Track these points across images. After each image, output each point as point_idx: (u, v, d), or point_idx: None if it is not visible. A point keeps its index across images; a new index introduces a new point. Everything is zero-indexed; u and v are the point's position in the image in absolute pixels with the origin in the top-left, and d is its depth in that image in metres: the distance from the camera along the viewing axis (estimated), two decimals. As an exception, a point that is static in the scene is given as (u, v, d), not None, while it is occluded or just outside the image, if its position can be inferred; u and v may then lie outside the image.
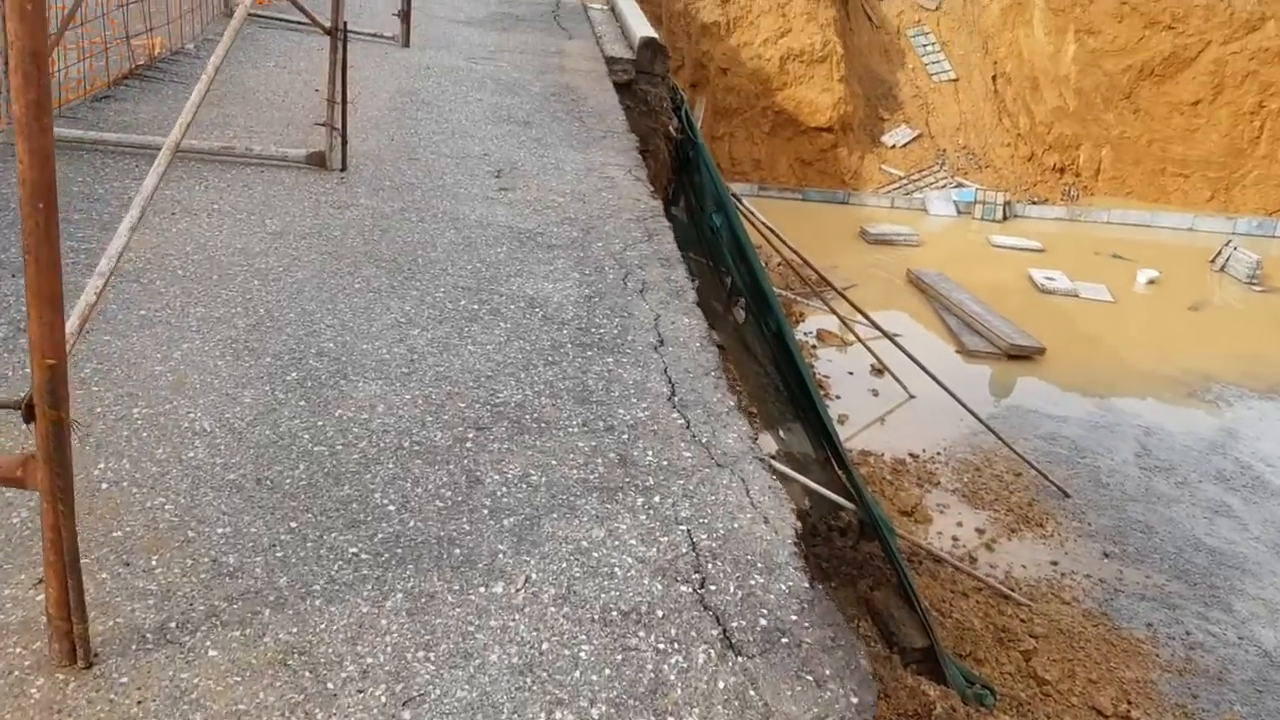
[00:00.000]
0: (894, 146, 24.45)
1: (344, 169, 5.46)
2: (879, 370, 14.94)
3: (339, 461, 3.04)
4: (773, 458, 11.44)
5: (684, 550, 2.87)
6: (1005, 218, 22.58)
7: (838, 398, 14.32)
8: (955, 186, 23.66)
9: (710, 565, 2.83)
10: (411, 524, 2.82)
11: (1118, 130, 24.34)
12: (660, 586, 2.71)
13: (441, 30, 9.34)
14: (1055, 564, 11.48)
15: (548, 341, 3.96)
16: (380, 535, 2.75)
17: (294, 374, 3.48)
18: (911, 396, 14.37)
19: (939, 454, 13.16)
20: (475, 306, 4.17)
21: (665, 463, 3.27)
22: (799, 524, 3.12)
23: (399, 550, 2.70)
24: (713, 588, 2.74)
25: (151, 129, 5.54)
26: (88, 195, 4.69)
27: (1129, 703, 9.06)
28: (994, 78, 25.12)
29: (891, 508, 11.63)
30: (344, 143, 5.42)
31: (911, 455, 13.01)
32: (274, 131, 5.97)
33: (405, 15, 8.36)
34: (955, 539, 11.59)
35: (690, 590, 2.72)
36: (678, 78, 19.29)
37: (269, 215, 4.77)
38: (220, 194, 4.95)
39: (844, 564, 10.11)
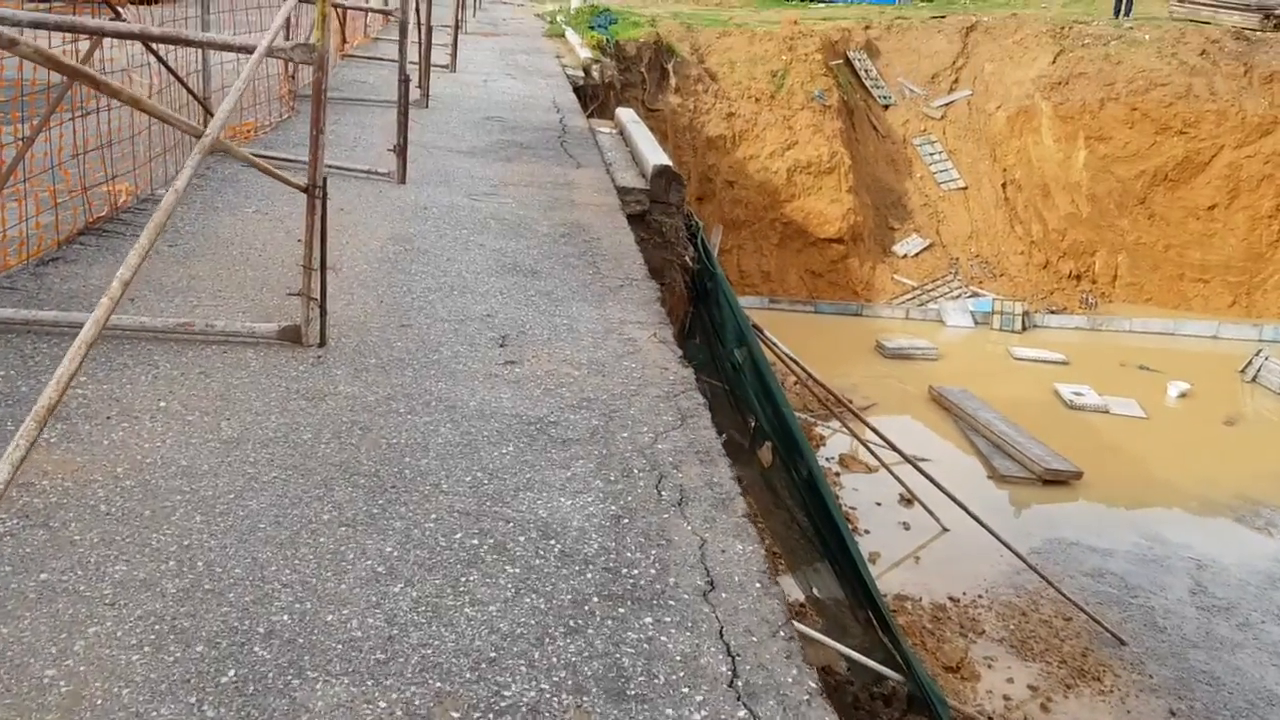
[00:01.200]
0: (905, 256, 23.93)
1: (322, 344, 4.66)
2: (908, 500, 14.02)
3: (281, 839, 2.15)
4: (801, 608, 10.46)
5: None
6: (1024, 328, 21.89)
7: (866, 532, 13.35)
8: (970, 296, 23.06)
9: None
10: None
11: (1133, 236, 23.86)
12: None
13: (441, 163, 8.69)
14: (1118, 729, 10.42)
15: (568, 594, 3.09)
16: None
17: (231, 672, 2.60)
18: (945, 530, 13.41)
19: (980, 596, 12.15)
20: (475, 541, 3.31)
21: (736, 804, 2.37)
22: None
23: None
24: None
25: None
26: (9, 396, 3.88)
27: None
28: (1004, 185, 24.75)
29: (935, 663, 10.60)
30: (323, 314, 4.63)
31: (951, 599, 11.99)
32: (246, 295, 5.20)
33: (401, 150, 7.70)
34: (1007, 698, 10.52)
35: None
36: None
37: (226, 415, 3.94)
38: (171, 386, 4.13)
39: (892, 743, 9.06)
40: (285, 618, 2.84)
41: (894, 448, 12.61)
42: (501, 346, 4.96)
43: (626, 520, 3.55)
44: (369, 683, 2.62)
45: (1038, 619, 11.77)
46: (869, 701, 9.25)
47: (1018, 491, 14.91)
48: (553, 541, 3.37)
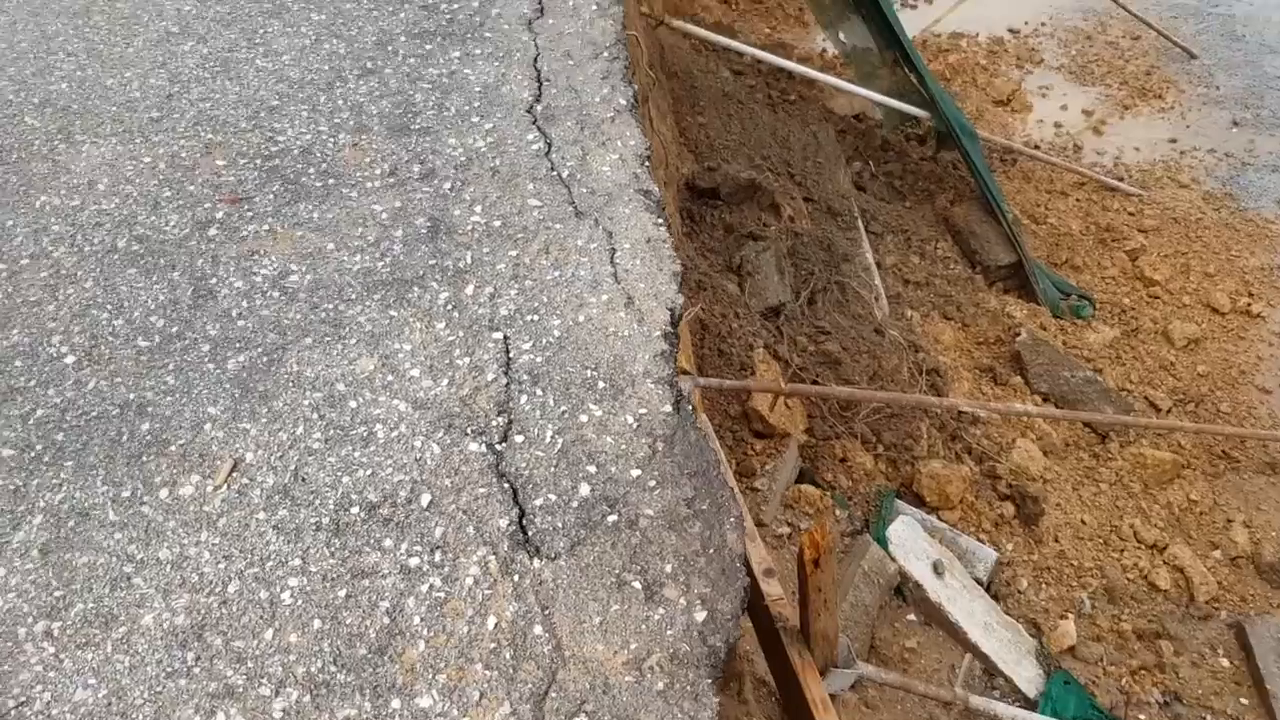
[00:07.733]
0: None
1: None
2: (976, -68, 12.67)
3: (17, 286, 2.19)
4: (822, 61, 10.01)
5: (491, 376, 1.99)
6: None
7: (930, -28, 12.28)
8: None
9: (524, 399, 1.95)
10: (92, 385, 1.99)
11: None
12: (438, 449, 1.87)
13: None
14: (1174, 141, 9.99)
15: (373, 35, 2.86)
16: (41, 412, 1.95)
17: (-1, 144, 2.56)
18: (1016, -40, 12.20)
19: (1044, 24, 11.29)
20: (285, -9, 3.05)
21: (498, 223, 2.30)
22: (679, 300, 2.17)
23: (60, 436, 1.91)
24: (519, 439, 1.89)
25: None
26: None
27: (1250, 295, 7.99)
28: None
29: (984, 99, 10.16)
30: None
31: (1011, 31, 11.20)
32: None
33: None
34: (1058, 125, 10.12)
35: (482, 449, 1.87)
36: None
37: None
38: None
39: (920, 178, 8.93)
40: (65, 85, 2.72)
41: None
42: None
43: (464, -50, 3.20)
44: (137, 140, 2.54)
45: (1103, 41, 10.97)
46: (902, 144, 9.07)
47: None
48: (371, -18, 3.08)
